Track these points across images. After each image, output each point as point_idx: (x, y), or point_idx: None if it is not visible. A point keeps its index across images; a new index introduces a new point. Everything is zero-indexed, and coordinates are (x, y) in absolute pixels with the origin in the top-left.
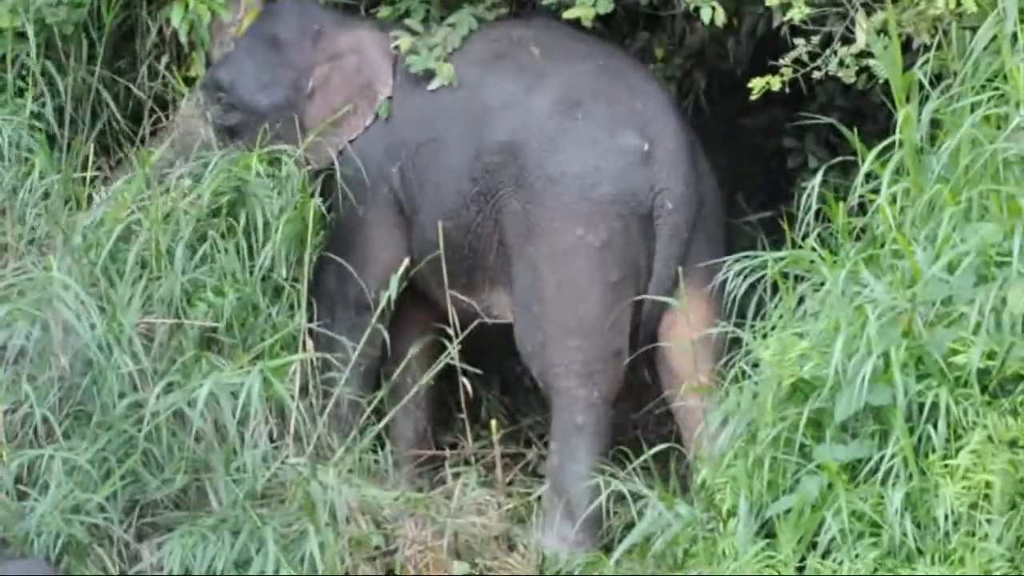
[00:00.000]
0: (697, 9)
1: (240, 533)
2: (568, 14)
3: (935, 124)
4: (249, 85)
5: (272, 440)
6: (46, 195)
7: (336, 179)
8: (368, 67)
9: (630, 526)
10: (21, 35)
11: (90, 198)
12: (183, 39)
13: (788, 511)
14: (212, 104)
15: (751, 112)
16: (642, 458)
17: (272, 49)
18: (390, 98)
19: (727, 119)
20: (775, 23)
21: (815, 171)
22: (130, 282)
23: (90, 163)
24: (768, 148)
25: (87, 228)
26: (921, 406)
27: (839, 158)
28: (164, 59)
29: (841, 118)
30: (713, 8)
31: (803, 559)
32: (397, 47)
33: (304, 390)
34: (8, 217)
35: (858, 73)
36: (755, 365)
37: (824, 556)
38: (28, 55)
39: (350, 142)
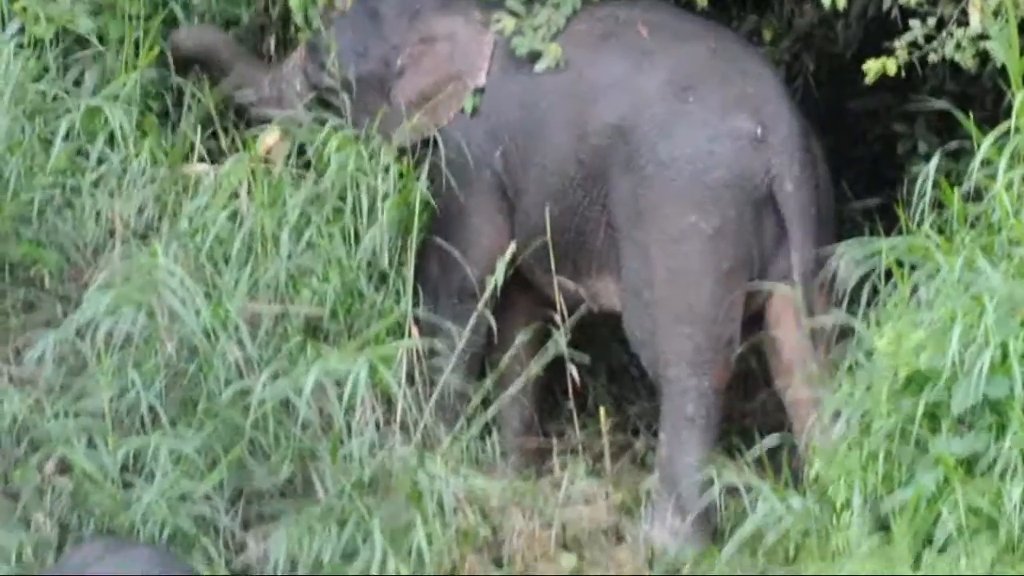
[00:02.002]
0: None
1: (347, 523)
2: None
3: None
4: (343, 53)
5: (378, 429)
6: (153, 179)
7: (438, 163)
8: (460, 57)
9: (740, 518)
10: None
11: (196, 182)
12: (299, 21)
13: (903, 505)
14: (310, 64)
15: (858, 96)
16: (755, 449)
17: (371, 21)
18: (481, 91)
19: (835, 103)
20: (885, 5)
21: (925, 156)
22: (235, 268)
23: (196, 147)
24: (873, 133)
25: (193, 213)
26: None
27: (953, 143)
28: (271, 41)
29: (950, 103)
30: None
31: (918, 554)
32: (500, 30)
33: (410, 378)
34: (115, 202)
35: (973, 56)
36: (868, 354)
37: (940, 551)
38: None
39: (439, 129)
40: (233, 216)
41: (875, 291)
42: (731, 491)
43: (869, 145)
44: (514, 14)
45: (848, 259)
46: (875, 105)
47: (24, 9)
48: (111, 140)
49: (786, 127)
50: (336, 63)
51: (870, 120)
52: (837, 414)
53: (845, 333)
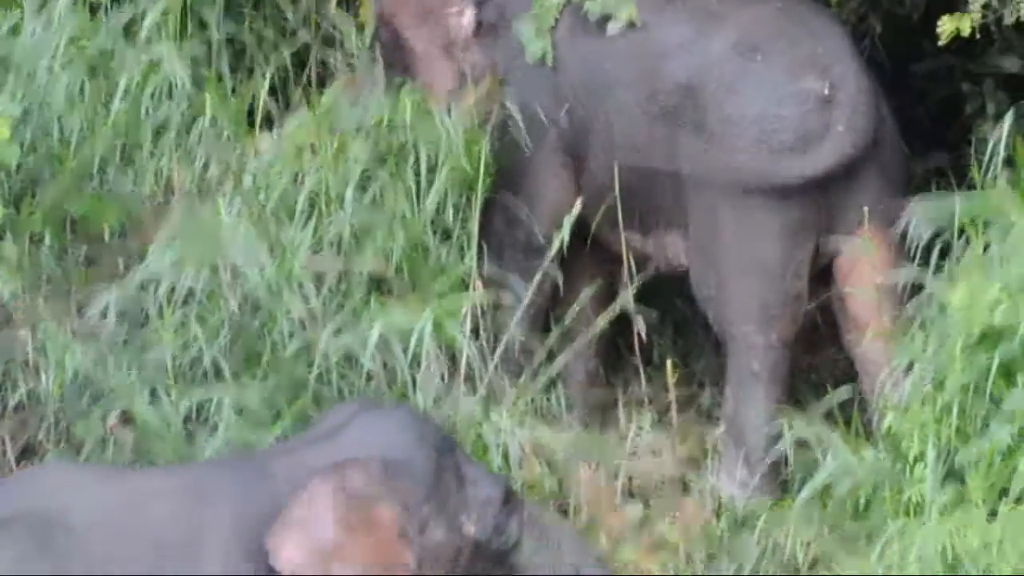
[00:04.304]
0: None
1: None
2: None
3: None
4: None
5: (443, 382)
6: (217, 137)
7: (503, 121)
8: None
9: (810, 471)
10: None
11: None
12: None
13: (978, 458)
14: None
15: (923, 58)
16: (826, 402)
17: None
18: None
19: (900, 65)
20: None
21: (995, 116)
22: (299, 225)
23: (259, 105)
24: (935, 96)
25: (256, 170)
26: None
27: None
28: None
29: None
30: None
31: (994, 506)
32: None
33: (475, 332)
34: (177, 159)
35: None
36: (940, 310)
37: (1016, 502)
38: None
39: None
40: (296, 174)
41: (945, 248)
42: (799, 444)
43: (928, 107)
44: None
45: (920, 214)
46: (941, 67)
47: None
48: (172, 96)
49: (853, 87)
50: None
51: (934, 82)
52: (909, 368)
53: (916, 289)
